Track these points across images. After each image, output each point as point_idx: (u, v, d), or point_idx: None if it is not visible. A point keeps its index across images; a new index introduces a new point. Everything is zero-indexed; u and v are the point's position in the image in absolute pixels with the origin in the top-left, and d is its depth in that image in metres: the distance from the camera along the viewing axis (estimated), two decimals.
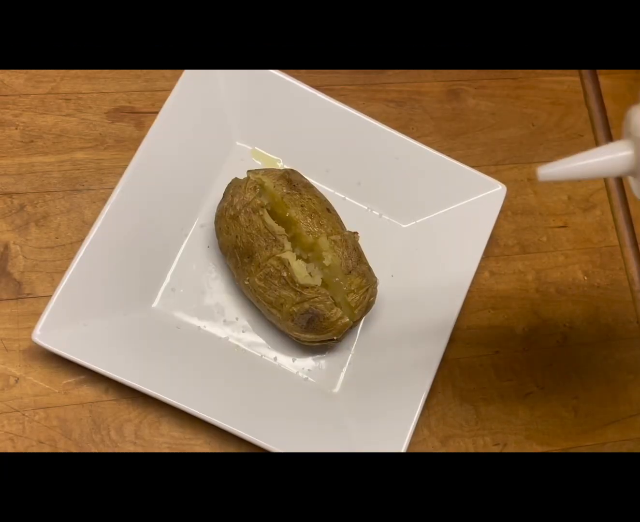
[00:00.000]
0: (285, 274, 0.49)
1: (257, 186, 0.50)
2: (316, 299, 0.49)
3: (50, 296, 0.47)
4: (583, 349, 0.59)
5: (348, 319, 0.50)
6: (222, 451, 0.50)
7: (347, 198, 0.57)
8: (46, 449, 0.48)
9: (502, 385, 0.56)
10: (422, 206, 0.57)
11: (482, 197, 0.56)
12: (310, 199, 0.51)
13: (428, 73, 0.63)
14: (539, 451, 0.55)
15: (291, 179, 0.51)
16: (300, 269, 0.49)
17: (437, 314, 0.53)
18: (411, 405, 0.50)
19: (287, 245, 0.49)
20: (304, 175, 0.53)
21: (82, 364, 0.46)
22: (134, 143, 0.54)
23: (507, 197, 0.56)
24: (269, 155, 0.57)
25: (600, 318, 0.60)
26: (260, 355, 0.52)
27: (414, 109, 0.62)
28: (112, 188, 0.51)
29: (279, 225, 0.49)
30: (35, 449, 0.48)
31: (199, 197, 0.54)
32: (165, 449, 0.49)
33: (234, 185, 0.51)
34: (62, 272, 0.48)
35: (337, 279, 0.49)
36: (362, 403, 0.51)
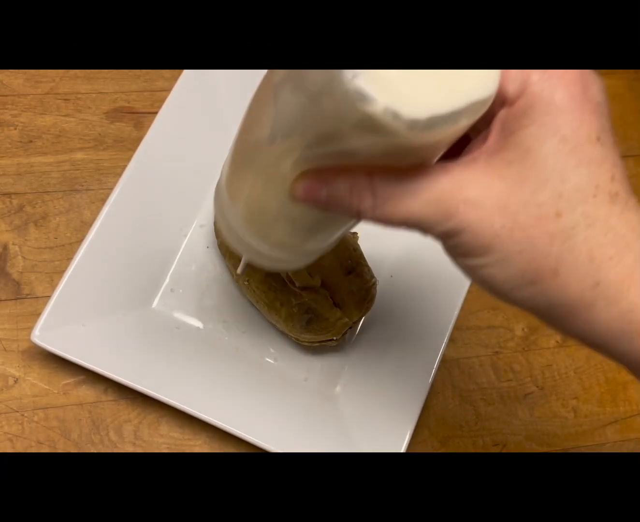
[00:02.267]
0: (284, 275, 0.48)
1: None
2: (315, 299, 0.49)
3: (50, 296, 0.47)
4: (583, 349, 0.59)
5: (347, 320, 0.50)
6: (222, 451, 0.50)
7: None
8: (45, 449, 0.48)
9: (501, 385, 0.56)
10: None
11: None
12: None
13: None
14: (538, 451, 0.55)
15: None
16: (299, 270, 0.49)
17: (436, 314, 0.53)
18: (411, 405, 0.50)
19: None
20: None
21: (81, 364, 0.46)
22: (133, 143, 0.54)
23: None
24: None
25: None
26: (259, 356, 0.52)
27: None
28: (111, 188, 0.51)
29: None
30: (34, 450, 0.47)
31: (199, 197, 0.54)
32: (164, 450, 0.49)
33: None
34: (61, 273, 0.48)
35: (336, 280, 0.49)
36: (362, 403, 0.51)
